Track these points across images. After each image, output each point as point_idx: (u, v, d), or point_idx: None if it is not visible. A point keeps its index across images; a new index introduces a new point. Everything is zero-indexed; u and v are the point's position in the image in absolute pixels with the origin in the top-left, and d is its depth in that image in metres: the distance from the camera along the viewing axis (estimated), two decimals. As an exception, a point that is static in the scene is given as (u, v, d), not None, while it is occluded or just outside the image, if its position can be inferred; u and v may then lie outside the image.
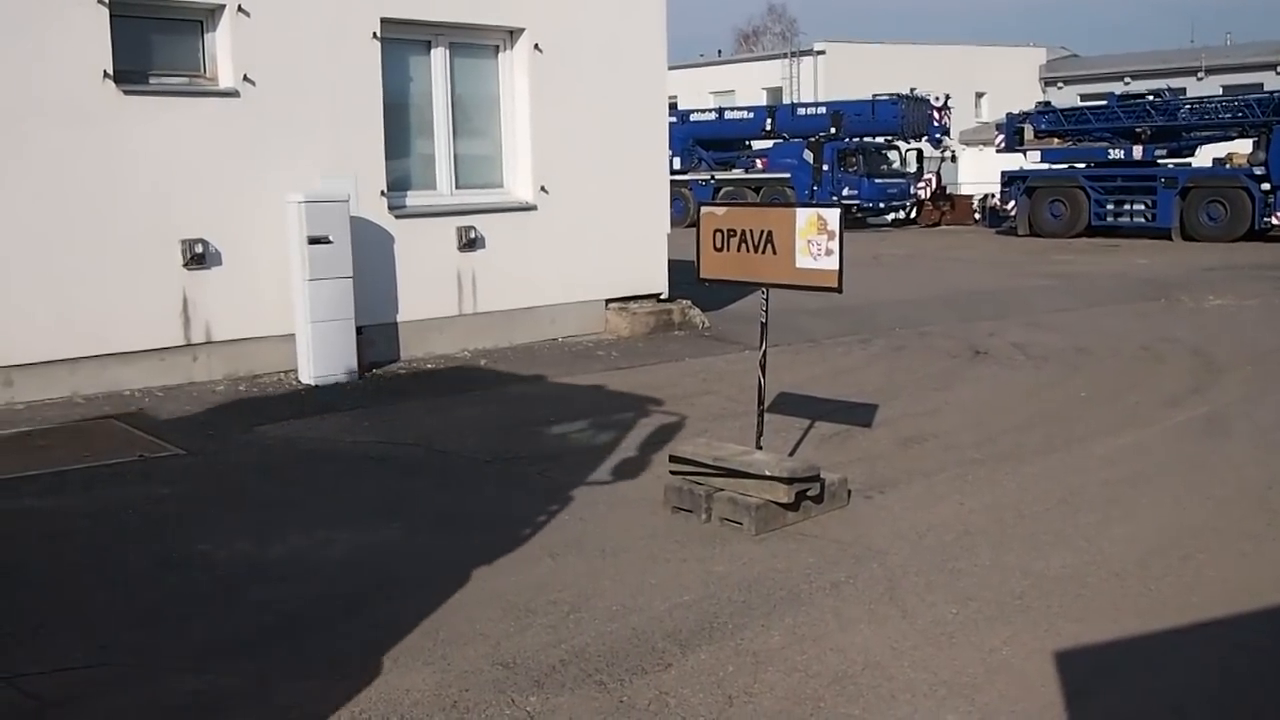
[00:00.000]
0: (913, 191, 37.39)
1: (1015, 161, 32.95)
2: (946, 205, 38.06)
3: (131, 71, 9.62)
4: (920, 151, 37.63)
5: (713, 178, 37.98)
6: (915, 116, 36.43)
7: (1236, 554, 5.82)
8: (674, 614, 5.01)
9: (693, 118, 40.38)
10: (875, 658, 4.59)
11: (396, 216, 11.27)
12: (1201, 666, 4.56)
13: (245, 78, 10.07)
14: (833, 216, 6.34)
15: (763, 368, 6.93)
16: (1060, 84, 51.33)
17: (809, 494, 6.30)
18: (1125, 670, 4.54)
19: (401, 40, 11.42)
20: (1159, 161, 30.28)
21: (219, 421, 8.77)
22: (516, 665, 4.49)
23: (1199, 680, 4.45)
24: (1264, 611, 5.08)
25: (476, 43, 12.10)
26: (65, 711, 4.17)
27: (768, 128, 38.70)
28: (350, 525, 6.34)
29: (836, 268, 6.25)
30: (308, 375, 10.25)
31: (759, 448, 6.71)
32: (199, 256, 9.90)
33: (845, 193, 34.59)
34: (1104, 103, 32.77)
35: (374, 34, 10.95)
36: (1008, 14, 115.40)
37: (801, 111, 39.17)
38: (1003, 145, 33.65)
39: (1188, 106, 30.70)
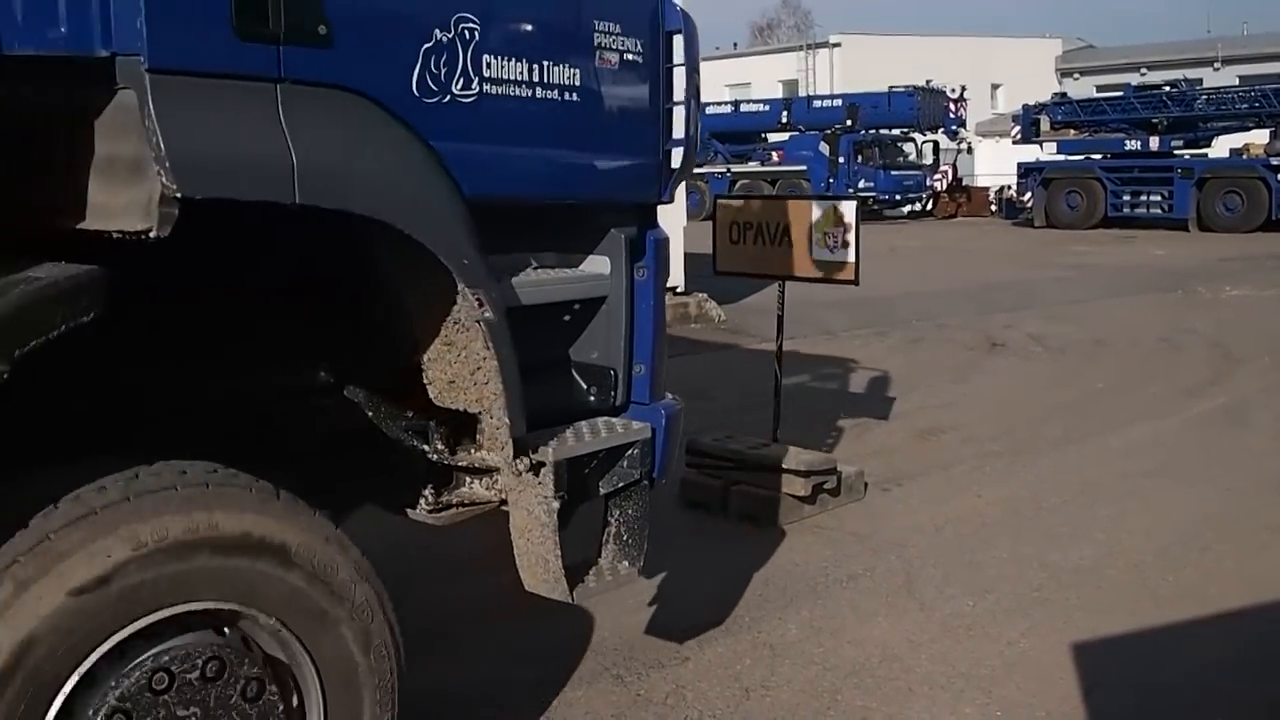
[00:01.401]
0: (929, 183, 37.34)
1: (1031, 153, 32.89)
2: (963, 197, 37.99)
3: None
4: (936, 143, 37.56)
5: (728, 170, 37.98)
6: (931, 108, 36.39)
7: (1256, 545, 5.80)
8: (691, 608, 5.00)
9: (708, 111, 40.26)
10: (893, 651, 4.59)
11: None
12: (1219, 659, 4.54)
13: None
14: (849, 209, 6.34)
15: (779, 360, 6.92)
16: (1076, 75, 51.10)
17: (826, 487, 6.30)
18: (1143, 662, 4.53)
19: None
20: (1175, 152, 30.19)
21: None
22: (533, 659, 4.51)
23: (1216, 673, 4.43)
24: (1283, 603, 5.07)
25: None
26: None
27: (784, 120, 38.71)
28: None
29: (853, 260, 6.25)
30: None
31: (775, 440, 6.70)
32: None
33: (861, 185, 34.55)
34: (1120, 94, 32.65)
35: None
36: (1024, 4, 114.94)
37: (817, 104, 39.18)
38: (1019, 137, 33.60)
39: (1204, 97, 30.62)
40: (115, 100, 2.44)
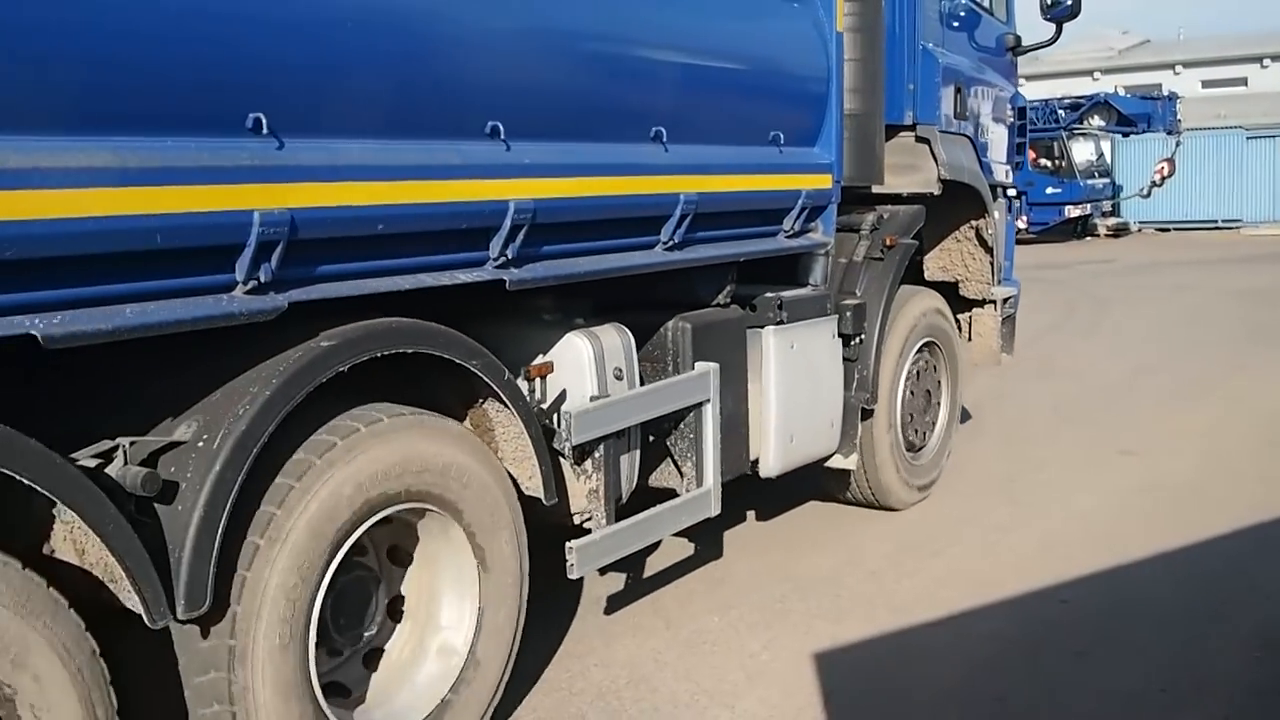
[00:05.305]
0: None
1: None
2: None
3: None
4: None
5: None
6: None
7: (982, 546, 6.07)
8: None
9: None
10: (639, 671, 4.58)
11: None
12: (948, 658, 4.72)
13: None
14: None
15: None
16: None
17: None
18: (879, 667, 4.66)
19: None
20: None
21: None
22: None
23: (946, 672, 4.60)
24: (1007, 601, 5.30)
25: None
26: None
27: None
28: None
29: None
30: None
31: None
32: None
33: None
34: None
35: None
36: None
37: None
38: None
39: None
40: (897, 139, 6.12)
